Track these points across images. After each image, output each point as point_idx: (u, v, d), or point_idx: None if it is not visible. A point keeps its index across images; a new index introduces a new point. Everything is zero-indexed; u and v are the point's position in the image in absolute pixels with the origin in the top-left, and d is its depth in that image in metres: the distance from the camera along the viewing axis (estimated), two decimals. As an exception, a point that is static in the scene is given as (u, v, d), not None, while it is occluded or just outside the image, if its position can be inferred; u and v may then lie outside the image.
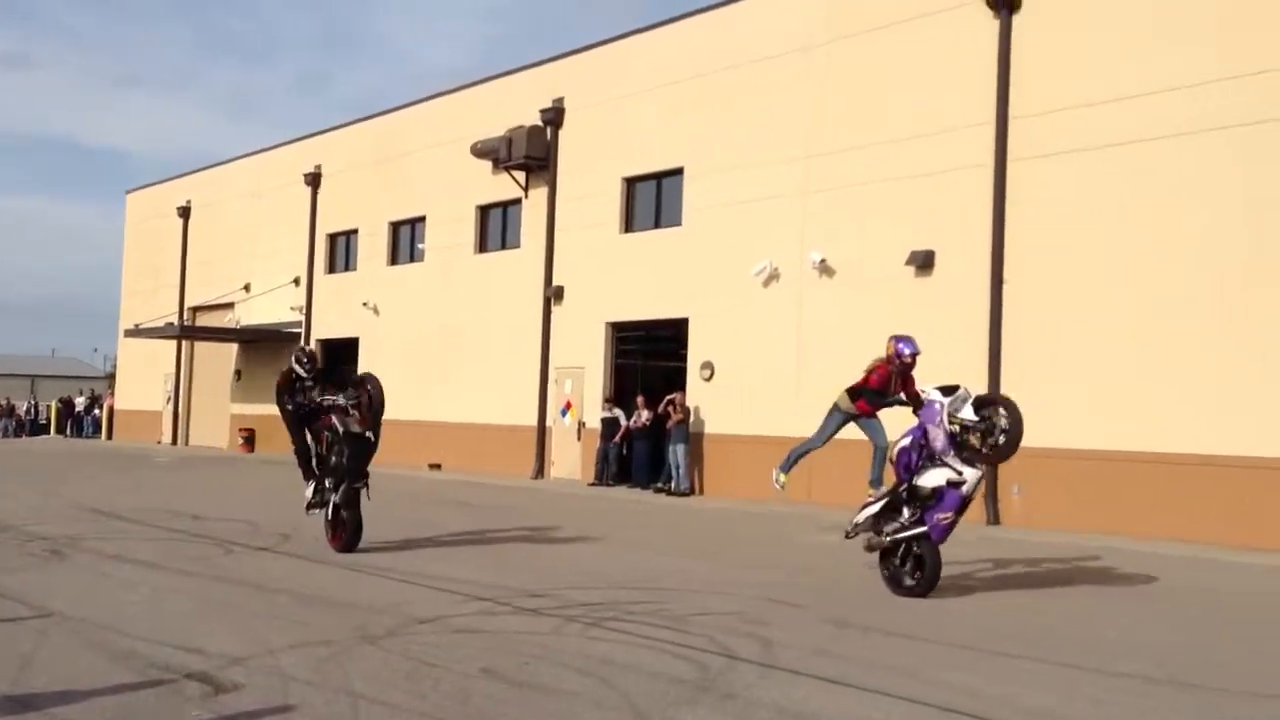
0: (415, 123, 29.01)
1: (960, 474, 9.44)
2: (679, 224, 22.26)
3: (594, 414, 23.36)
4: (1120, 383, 15.62)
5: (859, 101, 19.10)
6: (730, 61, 21.23)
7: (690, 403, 21.35)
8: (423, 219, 28.75)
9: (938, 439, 9.54)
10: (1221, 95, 14.80)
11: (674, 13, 22.84)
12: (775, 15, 20.69)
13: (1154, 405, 15.28)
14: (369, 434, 11.73)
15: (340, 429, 11.64)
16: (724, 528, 16.07)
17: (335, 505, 11.76)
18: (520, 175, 25.50)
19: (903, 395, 10.55)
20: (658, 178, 23.02)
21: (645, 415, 22.28)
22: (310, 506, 12.14)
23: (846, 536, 10.37)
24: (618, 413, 22.84)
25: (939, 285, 17.76)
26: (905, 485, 9.77)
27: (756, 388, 20.32)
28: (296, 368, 12.15)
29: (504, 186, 25.99)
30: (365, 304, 29.69)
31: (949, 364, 17.24)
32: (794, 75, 20.17)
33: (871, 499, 10.23)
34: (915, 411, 10.02)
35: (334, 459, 11.79)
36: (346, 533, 11.68)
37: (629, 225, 23.59)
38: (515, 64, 28.22)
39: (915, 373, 10.62)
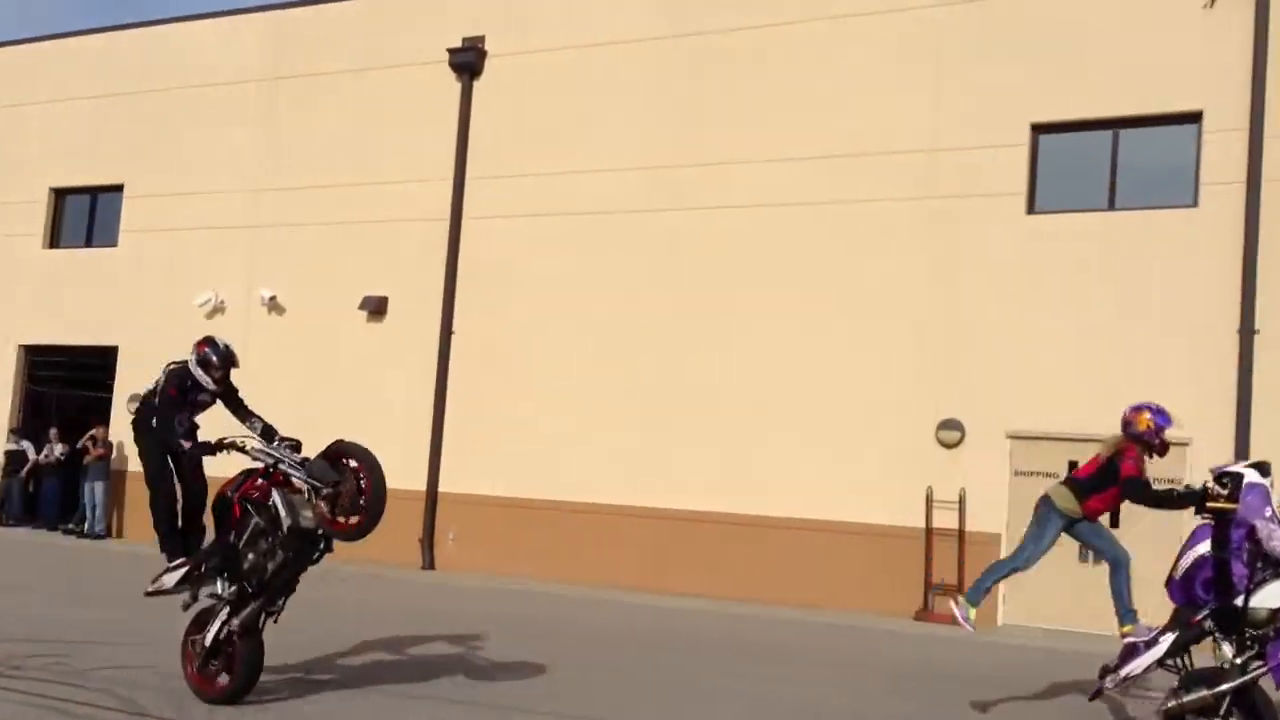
0: None
1: None
2: (115, 244, 20.59)
3: (-3, 446, 20.79)
4: (540, 437, 16.57)
5: (316, 141, 18.81)
6: (180, 81, 20.09)
7: (114, 438, 19.66)
8: None
9: (1274, 536, 6.85)
10: (629, 181, 16.41)
11: (123, 20, 21.27)
12: (228, 42, 19.93)
13: (565, 458, 16.34)
14: (324, 540, 7.20)
15: (287, 517, 7.05)
16: (143, 573, 14.83)
17: (227, 630, 7.19)
18: (-79, 170, 22.27)
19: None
20: (93, 192, 21.18)
21: (59, 449, 20.25)
22: (162, 593, 7.86)
23: (1092, 697, 7.57)
24: (25, 445, 20.55)
25: (391, 332, 17.92)
26: (1209, 612, 6.98)
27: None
28: (199, 373, 7.70)
29: (-101, 180, 22.52)
30: None
31: (397, 412, 17.47)
32: (247, 106, 19.52)
33: (1137, 638, 7.44)
34: (1198, 511, 7.17)
35: (252, 556, 7.22)
36: (241, 674, 7.13)
37: (55, 240, 21.43)
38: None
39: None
